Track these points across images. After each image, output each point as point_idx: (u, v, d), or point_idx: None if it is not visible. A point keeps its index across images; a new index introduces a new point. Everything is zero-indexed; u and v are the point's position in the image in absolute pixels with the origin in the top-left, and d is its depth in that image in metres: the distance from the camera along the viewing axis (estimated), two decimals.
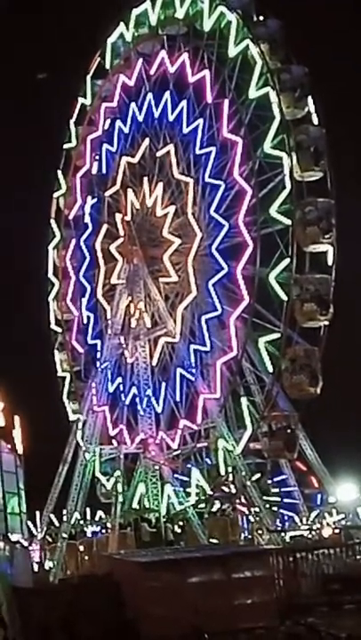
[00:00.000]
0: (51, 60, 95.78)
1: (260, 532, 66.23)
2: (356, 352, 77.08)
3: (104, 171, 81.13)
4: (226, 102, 71.65)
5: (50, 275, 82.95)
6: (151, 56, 78.86)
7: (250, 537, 66.23)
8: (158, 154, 76.29)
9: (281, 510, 69.76)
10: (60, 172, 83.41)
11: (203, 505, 69.33)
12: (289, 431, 65.88)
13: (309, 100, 68.15)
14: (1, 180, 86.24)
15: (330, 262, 66.26)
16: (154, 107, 77.28)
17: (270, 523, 67.09)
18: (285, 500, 69.85)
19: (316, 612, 40.21)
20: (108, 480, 73.75)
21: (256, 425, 67.07)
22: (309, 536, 66.16)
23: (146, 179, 77.07)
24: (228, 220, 70.26)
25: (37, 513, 75.90)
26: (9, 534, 54.08)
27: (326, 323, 65.79)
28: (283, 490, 69.90)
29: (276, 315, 66.73)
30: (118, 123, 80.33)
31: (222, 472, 68.31)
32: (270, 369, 66.86)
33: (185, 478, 70.87)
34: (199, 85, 73.88)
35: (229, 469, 68.26)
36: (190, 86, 74.81)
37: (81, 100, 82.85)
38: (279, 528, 67.66)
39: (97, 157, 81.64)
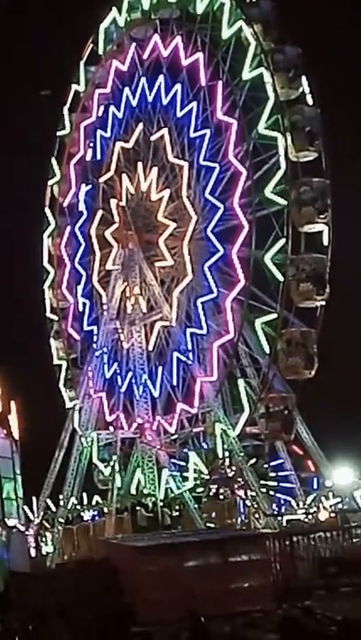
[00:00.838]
0: (43, 47, 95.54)
1: (256, 515, 66.32)
2: (353, 334, 77.05)
3: (98, 157, 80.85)
4: (220, 84, 71.58)
5: (45, 263, 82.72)
6: (144, 40, 78.64)
7: (247, 521, 66.24)
8: (152, 138, 76.11)
9: (278, 494, 69.76)
10: (54, 160, 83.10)
11: (200, 489, 69.36)
12: (286, 413, 65.99)
13: (304, 80, 68.10)
14: None
15: (325, 242, 66.09)
16: (147, 91, 77.07)
17: (267, 507, 67.19)
18: (282, 484, 69.85)
19: (312, 595, 40.33)
20: (105, 467, 73.84)
21: (253, 407, 67.22)
22: (306, 520, 66.22)
23: (140, 164, 76.89)
24: (223, 203, 70.20)
25: (34, 498, 75.89)
26: (5, 519, 54.24)
27: (323, 303, 65.88)
28: (279, 474, 69.94)
29: (273, 296, 66.98)
30: (112, 108, 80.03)
31: (219, 456, 68.33)
32: (267, 350, 66.87)
33: (182, 463, 70.90)
34: (193, 68, 73.77)
35: (226, 453, 68.33)
36: (184, 69, 74.74)
37: (75, 87, 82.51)
38: (276, 512, 67.71)
39: (91, 144, 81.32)
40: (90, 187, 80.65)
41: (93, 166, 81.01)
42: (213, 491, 68.93)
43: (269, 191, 67.18)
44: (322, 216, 65.86)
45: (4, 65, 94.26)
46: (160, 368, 74.17)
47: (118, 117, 79.53)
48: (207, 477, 69.04)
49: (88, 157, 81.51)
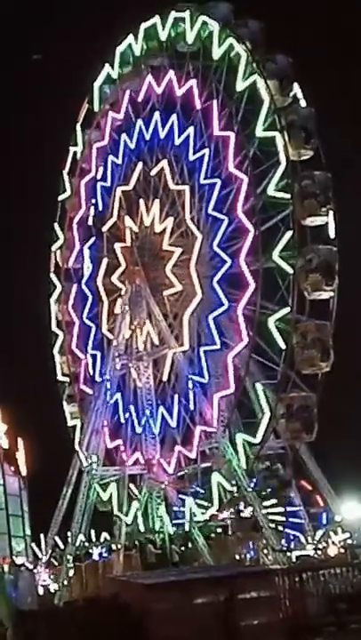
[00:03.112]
0: (39, 115, 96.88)
1: (265, 551, 65.96)
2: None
3: (100, 208, 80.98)
4: (215, 104, 72.34)
5: (53, 327, 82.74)
6: (138, 87, 79.39)
7: (255, 557, 65.93)
8: (153, 172, 76.64)
9: (286, 530, 69.42)
10: (56, 225, 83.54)
11: (210, 524, 68.93)
12: (307, 412, 65.17)
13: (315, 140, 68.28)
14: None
15: (331, 234, 66.36)
16: (145, 131, 78.12)
17: (276, 542, 66.78)
18: (291, 520, 69.53)
19: (322, 632, 40.05)
20: (125, 514, 72.98)
21: (273, 412, 66.49)
22: (315, 555, 65.89)
23: (142, 200, 77.35)
24: (228, 215, 70.50)
25: (42, 535, 75.76)
26: (13, 557, 54.14)
27: (332, 294, 65.62)
28: (288, 509, 69.59)
29: (283, 298, 66.44)
30: (111, 158, 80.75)
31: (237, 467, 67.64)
32: (282, 346, 65.78)
33: (189, 499, 70.60)
34: (186, 97, 74.67)
35: (235, 488, 67.90)
36: (178, 100, 75.65)
37: (72, 149, 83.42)
38: (285, 548, 67.33)
39: (93, 201, 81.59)
40: (93, 239, 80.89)
41: (96, 219, 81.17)
42: (222, 526, 68.46)
43: (272, 190, 67.35)
44: (324, 209, 66.02)
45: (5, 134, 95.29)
46: (176, 396, 73.82)
47: (118, 164, 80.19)
48: (216, 513, 68.64)
49: (91, 213, 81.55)
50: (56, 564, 76.63)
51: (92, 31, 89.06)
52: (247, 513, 68.07)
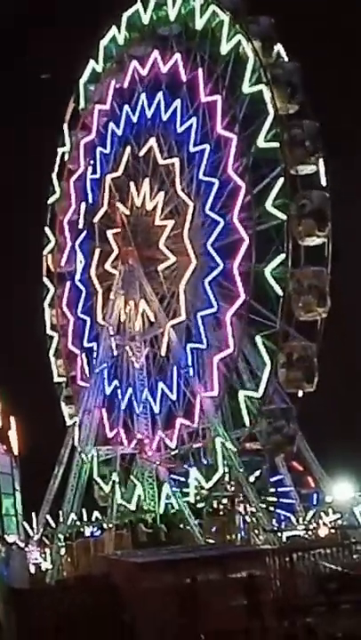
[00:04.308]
0: (26, 110, 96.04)
1: (256, 531, 66.07)
2: (353, 349, 76.96)
3: (91, 201, 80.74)
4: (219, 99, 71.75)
5: (48, 330, 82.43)
6: (143, 58, 78.49)
7: (246, 537, 66.03)
8: (141, 152, 76.59)
9: (277, 510, 69.58)
10: (47, 229, 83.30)
11: (201, 504, 69.10)
12: (308, 362, 65.26)
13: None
14: None
15: (323, 182, 66.54)
16: (131, 114, 77.99)
17: (267, 523, 66.87)
18: (282, 500, 69.71)
19: (313, 612, 40.10)
20: (106, 483, 73.56)
21: (254, 420, 66.84)
22: (306, 536, 66.03)
23: (132, 183, 77.06)
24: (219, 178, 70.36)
25: (33, 514, 75.80)
26: (5, 535, 54.14)
27: (324, 316, 65.53)
28: (279, 490, 69.75)
29: (273, 310, 66.31)
30: (99, 149, 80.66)
31: (220, 470, 67.95)
32: (268, 363, 66.02)
33: (182, 479, 70.75)
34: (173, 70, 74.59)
35: (226, 469, 68.06)
36: (164, 78, 75.41)
37: (61, 150, 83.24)
38: (276, 528, 67.46)
39: (83, 202, 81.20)
40: (84, 234, 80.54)
41: (87, 214, 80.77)
42: (213, 506, 68.54)
43: (270, 205, 67.10)
44: (313, 157, 66.21)
45: None
46: (160, 383, 73.98)
47: (106, 154, 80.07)
48: (207, 493, 68.75)
49: (82, 210, 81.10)
50: (48, 542, 76.74)
51: (76, 30, 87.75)
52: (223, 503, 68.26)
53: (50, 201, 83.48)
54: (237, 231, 68.61)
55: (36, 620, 37.20)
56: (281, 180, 66.57)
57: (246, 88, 69.55)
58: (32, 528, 75.56)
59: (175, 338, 72.56)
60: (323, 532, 65.55)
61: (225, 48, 71.35)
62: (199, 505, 68.92)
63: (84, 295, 79.97)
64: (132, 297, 76.29)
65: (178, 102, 74.58)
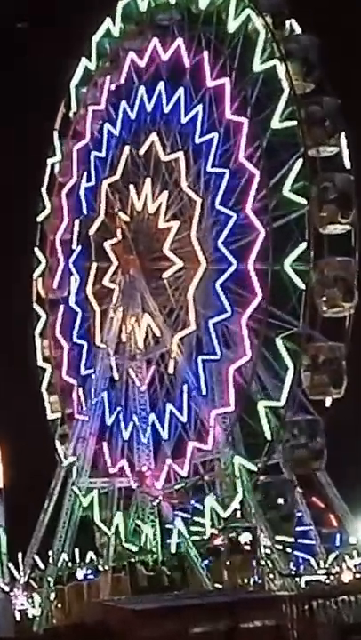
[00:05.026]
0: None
1: (271, 576, 65.63)
2: None
3: (86, 212, 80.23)
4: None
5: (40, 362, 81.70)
6: (141, 50, 78.26)
7: (260, 582, 65.57)
8: (141, 151, 76.24)
9: (295, 552, 69.13)
10: (37, 250, 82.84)
11: (218, 539, 68.45)
12: (335, 364, 64.68)
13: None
14: None
15: (346, 164, 66.45)
16: (147, 102, 77.09)
17: (283, 566, 66.44)
18: (300, 541, 69.26)
19: None
20: (109, 527, 72.72)
21: (276, 434, 66.04)
22: (327, 581, 65.59)
23: (132, 186, 76.78)
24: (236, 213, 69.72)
25: (20, 554, 75.54)
26: None
27: (352, 312, 65.13)
28: (298, 529, 69.30)
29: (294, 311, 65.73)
30: (94, 153, 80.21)
31: (239, 495, 67.12)
32: (301, 286, 64.91)
33: (187, 515, 70.34)
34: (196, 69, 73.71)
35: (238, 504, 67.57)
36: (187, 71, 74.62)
37: (51, 161, 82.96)
38: (294, 572, 67.04)
39: (76, 219, 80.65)
40: (79, 249, 79.87)
41: (82, 226, 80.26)
42: (224, 547, 68.09)
43: (287, 190, 66.62)
44: (346, 216, 65.59)
45: None
46: (168, 405, 73.41)
47: (101, 157, 79.57)
48: (217, 532, 68.38)
49: (75, 227, 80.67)
50: (35, 586, 76.44)
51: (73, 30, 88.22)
52: (244, 538, 67.56)
53: (39, 218, 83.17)
54: (252, 224, 67.78)
55: None
56: (299, 162, 66.10)
57: (258, 66, 69.24)
58: (18, 570, 75.34)
59: (182, 357, 72.11)
60: (346, 577, 65.09)
61: (232, 25, 71.08)
62: (218, 540, 68.04)
63: (79, 317, 79.14)
64: (133, 311, 75.78)
65: (181, 91, 74.27)
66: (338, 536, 70.16)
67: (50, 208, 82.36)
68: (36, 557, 77.19)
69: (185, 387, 71.95)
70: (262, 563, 65.96)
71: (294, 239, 65.73)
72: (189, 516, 70.39)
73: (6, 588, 58.44)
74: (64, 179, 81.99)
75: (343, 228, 65.94)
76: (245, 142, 69.28)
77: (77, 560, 75.80)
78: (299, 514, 69.24)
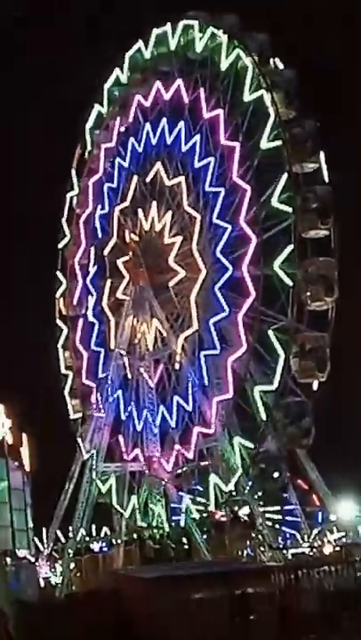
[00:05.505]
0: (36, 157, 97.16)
1: (262, 548, 65.82)
2: (354, 369, 76.68)
3: (100, 236, 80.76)
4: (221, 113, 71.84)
5: (63, 370, 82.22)
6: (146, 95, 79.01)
7: (252, 554, 65.81)
8: (148, 179, 76.63)
9: (283, 528, 69.29)
10: (59, 273, 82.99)
11: (221, 513, 68.63)
12: (320, 352, 64.54)
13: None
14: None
15: (325, 178, 66.62)
16: (151, 135, 77.43)
17: (272, 540, 66.65)
18: (287, 518, 69.38)
19: (316, 628, 39.96)
20: (124, 509, 72.90)
21: (270, 414, 66.03)
22: (311, 553, 65.74)
23: (140, 210, 77.18)
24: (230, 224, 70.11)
25: (44, 529, 75.65)
26: (16, 550, 54.00)
27: (333, 305, 65.30)
28: (285, 508, 69.42)
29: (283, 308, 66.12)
30: (107, 185, 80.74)
31: (239, 470, 67.26)
32: (289, 283, 64.85)
33: (189, 496, 70.47)
34: (194, 105, 74.07)
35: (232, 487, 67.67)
36: (185, 107, 74.90)
37: (69, 195, 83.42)
38: (281, 545, 67.18)
39: (92, 244, 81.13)
40: (95, 268, 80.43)
41: (97, 248, 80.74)
42: (220, 523, 68.28)
43: (276, 200, 66.74)
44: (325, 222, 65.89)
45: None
46: (176, 397, 73.68)
47: (113, 188, 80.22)
48: (215, 510, 68.52)
49: (92, 252, 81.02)
50: (57, 557, 76.65)
51: (80, 70, 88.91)
52: (243, 513, 67.94)
53: (60, 245, 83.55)
54: (245, 233, 68.22)
55: (44, 634, 37.10)
56: (285, 177, 66.24)
57: (247, 96, 69.70)
58: (42, 543, 75.51)
59: (185, 357, 72.35)
60: (327, 549, 65.25)
61: (225, 64, 71.56)
62: (220, 514, 68.11)
63: (96, 328, 79.64)
64: (142, 317, 76.25)
65: (181, 124, 74.76)
66: (320, 514, 70.30)
67: (69, 236, 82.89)
68: (58, 532, 77.72)
69: (189, 380, 72.39)
70: (254, 537, 66.30)
71: (282, 245, 65.96)
72: (192, 496, 70.57)
73: (32, 559, 58.50)
74: (81, 210, 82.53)
75: (323, 233, 66.04)
76: (238, 163, 69.52)
77: (94, 535, 76.17)
78: (286, 494, 69.49)
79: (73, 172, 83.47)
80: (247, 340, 67.14)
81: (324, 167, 67.06)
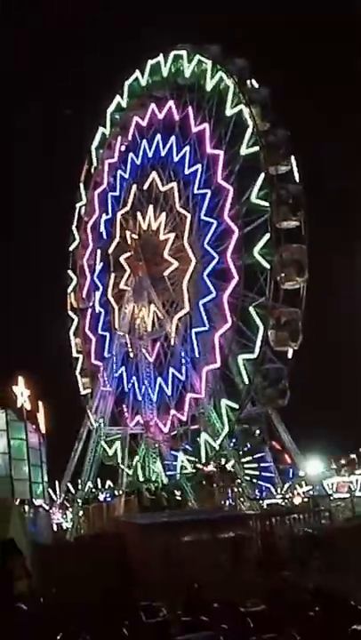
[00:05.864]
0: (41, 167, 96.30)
1: (242, 499, 65.64)
2: (325, 335, 76.16)
3: (105, 237, 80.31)
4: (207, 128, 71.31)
5: (74, 354, 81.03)
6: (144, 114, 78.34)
7: (234, 504, 65.55)
8: (145, 186, 76.17)
9: (260, 482, 69.07)
10: (70, 271, 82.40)
11: (211, 465, 68.49)
12: (293, 324, 64.61)
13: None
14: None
15: (296, 178, 66.40)
16: (148, 149, 77.09)
17: (251, 492, 66.46)
18: (263, 474, 69.16)
19: (288, 567, 39.64)
20: (110, 447, 73.10)
21: (252, 378, 65.78)
22: (283, 504, 65.53)
23: (139, 213, 76.73)
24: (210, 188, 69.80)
25: (57, 482, 75.39)
26: (33, 500, 53.64)
27: (304, 284, 64.97)
28: (261, 465, 69.22)
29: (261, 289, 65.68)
30: (110, 194, 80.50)
31: (226, 428, 66.94)
32: (266, 266, 64.56)
33: (180, 454, 70.24)
34: (201, 135, 72.99)
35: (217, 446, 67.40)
36: (176, 125, 74.49)
37: (78, 205, 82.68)
38: (258, 497, 66.97)
39: (98, 248, 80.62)
40: (101, 265, 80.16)
41: (102, 249, 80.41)
42: (207, 478, 68.04)
43: (244, 149, 67.06)
44: (296, 215, 65.46)
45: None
46: (171, 369, 73.29)
47: (116, 196, 79.80)
48: (203, 466, 68.26)
49: (98, 257, 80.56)
50: (68, 505, 76.42)
51: (83, 94, 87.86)
52: (228, 466, 67.82)
53: (70, 248, 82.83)
54: (229, 227, 67.88)
55: (56, 571, 36.69)
56: (262, 177, 65.75)
57: (229, 110, 69.21)
58: (56, 494, 75.17)
59: (178, 336, 71.87)
60: (297, 500, 65.03)
61: (209, 85, 70.89)
62: (209, 468, 67.87)
63: (102, 316, 79.40)
64: (141, 303, 75.98)
65: (173, 138, 74.41)
66: (291, 470, 70.05)
67: (78, 240, 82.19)
68: (69, 485, 77.46)
69: (182, 355, 72.06)
70: (235, 489, 66.08)
71: (260, 235, 65.57)
72: (184, 454, 70.35)
73: (47, 507, 58.18)
74: (88, 217, 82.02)
75: (295, 224, 65.62)
76: (222, 168, 69.21)
77: (99, 487, 75.87)
78: (262, 454, 69.28)
79: (81, 185, 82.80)
80: (231, 317, 66.80)
81: (296, 169, 66.53)
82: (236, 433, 67.24)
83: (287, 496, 66.65)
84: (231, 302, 67.23)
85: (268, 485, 69.04)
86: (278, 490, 68.25)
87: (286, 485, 68.47)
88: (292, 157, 66.74)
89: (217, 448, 67.31)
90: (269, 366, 65.36)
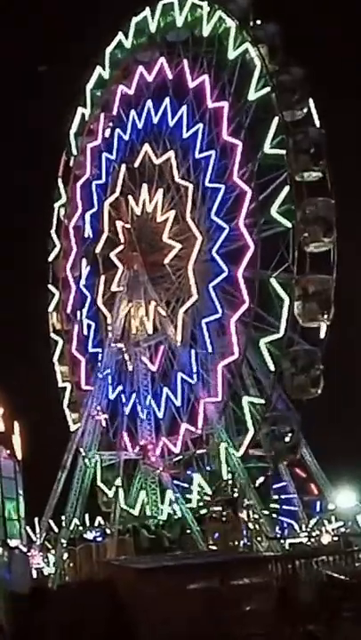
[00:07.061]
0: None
1: (259, 538, 65.83)
2: (355, 357, 76.43)
3: (103, 180, 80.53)
4: (226, 105, 71.37)
5: (52, 334, 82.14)
6: (150, 64, 78.31)
7: (249, 544, 65.76)
8: (158, 161, 75.92)
9: (280, 517, 69.31)
10: (51, 286, 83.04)
11: (203, 511, 68.74)
12: (324, 294, 64.86)
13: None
14: None
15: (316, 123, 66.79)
16: (153, 113, 77.08)
17: (270, 529, 66.68)
18: (285, 507, 69.42)
19: (315, 619, 39.85)
20: (109, 489, 73.33)
21: (258, 427, 66.34)
22: (309, 543, 65.73)
23: (145, 185, 76.76)
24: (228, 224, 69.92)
25: (36, 519, 75.57)
26: (7, 540, 53.90)
27: (328, 323, 65.01)
28: (282, 497, 69.46)
29: (277, 317, 65.88)
30: (118, 131, 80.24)
31: (223, 476, 67.52)
32: (272, 368, 65.45)
33: (185, 485, 70.48)
34: (199, 90, 73.54)
35: (230, 475, 67.72)
36: (190, 92, 74.53)
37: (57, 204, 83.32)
38: (278, 535, 67.19)
39: (87, 213, 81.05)
40: (95, 209, 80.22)
41: (99, 190, 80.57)
42: (216, 512, 68.26)
43: (268, 148, 67.20)
44: (328, 235, 65.44)
45: None
46: (165, 389, 73.60)
47: (124, 140, 79.47)
48: (210, 499, 68.50)
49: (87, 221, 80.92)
50: (50, 547, 76.58)
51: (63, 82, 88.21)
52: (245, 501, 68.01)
53: (50, 258, 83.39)
54: (243, 237, 68.08)
55: (36, 624, 36.96)
56: (276, 120, 66.45)
57: (252, 94, 69.33)
58: (35, 532, 75.37)
59: (184, 333, 72.15)
60: (325, 539, 65.27)
61: (232, 54, 71.10)
62: (202, 511, 68.51)
63: (93, 329, 79.70)
64: (137, 302, 76.09)
65: (167, 100, 75.28)
66: (318, 503, 70.31)
67: (59, 247, 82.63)
68: (51, 522, 77.59)
69: (179, 374, 72.23)
70: (251, 527, 66.25)
71: (280, 254, 65.60)
72: (187, 485, 70.59)
73: (24, 549, 58.41)
74: (69, 218, 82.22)
75: (317, 175, 66.03)
76: (227, 122, 69.72)
77: (87, 524, 76.07)
78: (283, 483, 69.53)
79: (59, 180, 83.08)
80: (249, 294, 66.91)
81: (315, 112, 66.67)
82: (260, 437, 66.64)
83: (314, 534, 66.86)
84: (247, 278, 67.23)
85: (291, 521, 69.32)
86: (303, 526, 68.50)
87: (313, 521, 68.71)
88: (310, 100, 66.72)
89: (225, 477, 67.41)
90: (299, 347, 65.07)
